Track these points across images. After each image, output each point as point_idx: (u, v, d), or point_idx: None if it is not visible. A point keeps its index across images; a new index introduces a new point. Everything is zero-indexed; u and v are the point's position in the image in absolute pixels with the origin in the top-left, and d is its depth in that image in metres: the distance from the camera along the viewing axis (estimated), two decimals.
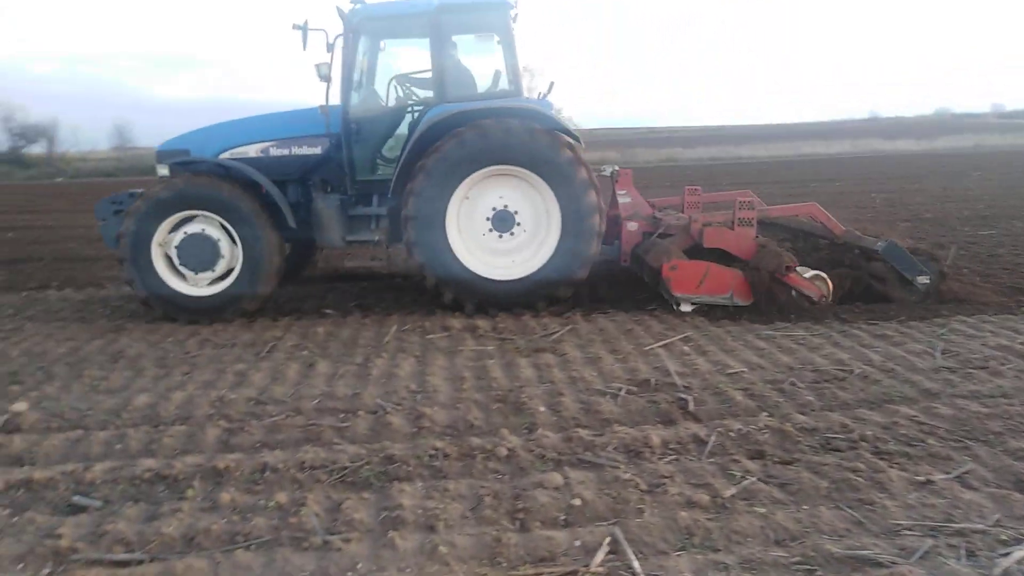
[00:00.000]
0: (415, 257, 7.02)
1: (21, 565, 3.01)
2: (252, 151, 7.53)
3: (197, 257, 7.02)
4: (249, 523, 3.28)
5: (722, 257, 7.04)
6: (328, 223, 7.35)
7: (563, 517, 3.31)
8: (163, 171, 7.54)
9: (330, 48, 7.12)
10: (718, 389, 4.86)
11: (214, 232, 7.00)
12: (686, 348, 5.85)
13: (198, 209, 6.99)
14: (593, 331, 6.41)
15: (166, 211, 6.95)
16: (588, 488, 3.53)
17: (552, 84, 7.53)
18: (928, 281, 6.85)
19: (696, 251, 7.18)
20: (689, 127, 77.99)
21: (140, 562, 3.01)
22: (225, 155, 7.50)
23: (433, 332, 6.50)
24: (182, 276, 7.08)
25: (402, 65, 7.97)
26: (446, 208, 6.89)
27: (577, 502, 3.39)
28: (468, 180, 6.90)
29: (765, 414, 4.41)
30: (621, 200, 7.80)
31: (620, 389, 4.89)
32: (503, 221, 7.10)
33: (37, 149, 50.63)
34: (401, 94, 7.80)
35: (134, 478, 3.75)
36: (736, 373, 5.17)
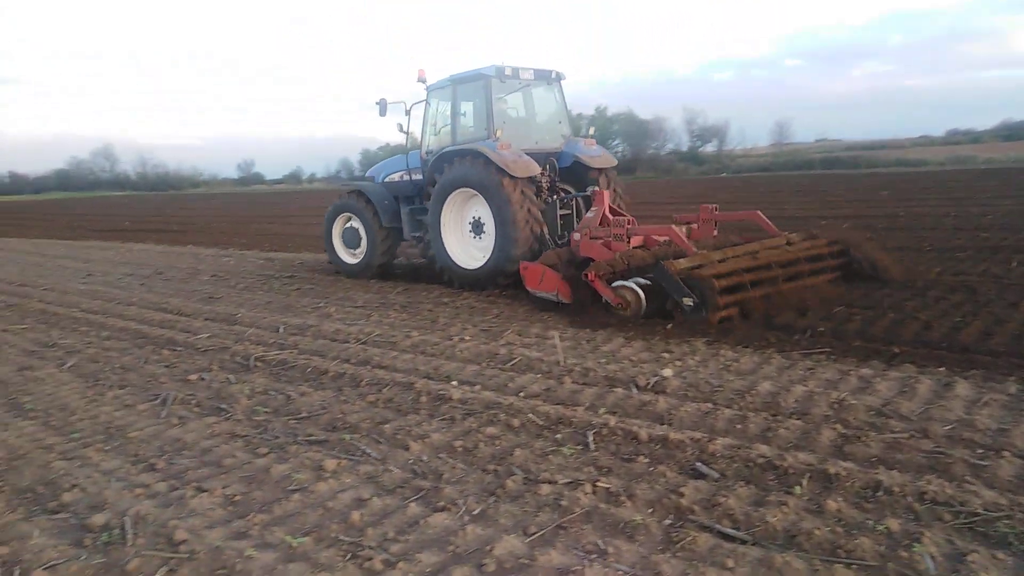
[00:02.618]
0: (431, 252, 10.43)
1: (651, 510, 3.55)
2: (396, 177, 11.53)
3: (352, 240, 11.79)
4: (853, 540, 3.12)
5: None
6: (404, 224, 11.20)
7: None
8: None
9: (407, 112, 11.01)
10: None
11: (362, 226, 11.55)
12: None
13: (347, 212, 11.76)
14: None
15: (336, 214, 11.96)
16: None
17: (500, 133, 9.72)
18: (692, 304, 6.97)
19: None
20: None
21: (743, 542, 3.19)
22: (387, 179, 11.66)
23: None
24: (349, 250, 11.91)
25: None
26: (440, 220, 10.07)
27: None
28: (449, 199, 9.95)
29: None
30: (587, 216, 9.25)
31: None
32: (477, 227, 9.93)
33: (709, 148, 58.49)
34: (447, 138, 10.62)
35: (748, 460, 3.98)
36: None
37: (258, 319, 8.59)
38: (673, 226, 8.32)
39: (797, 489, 3.63)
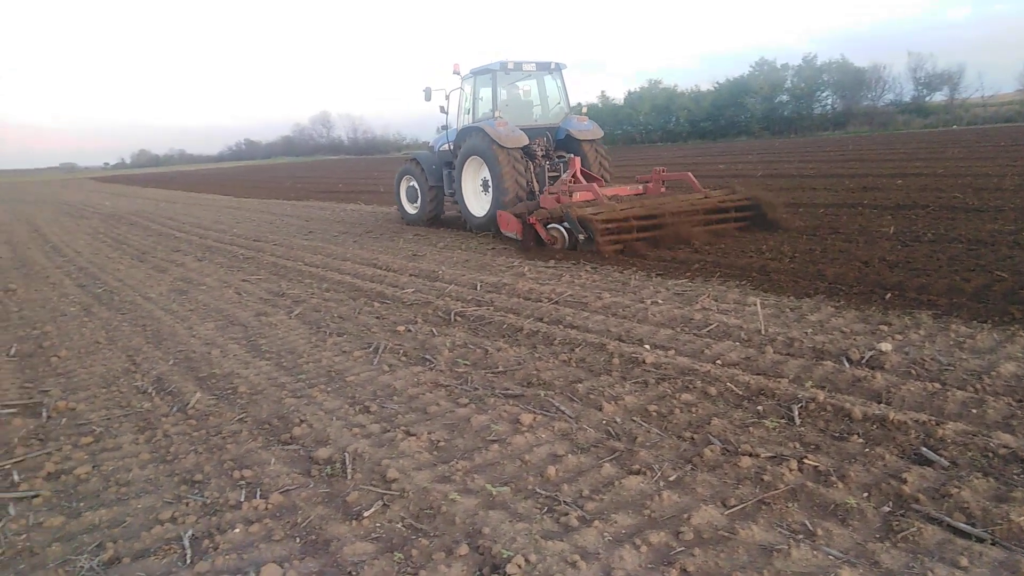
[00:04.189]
0: (458, 204, 13.54)
1: (866, 494, 3.26)
2: (447, 147, 14.05)
3: (411, 196, 15.15)
4: None
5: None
6: (445, 183, 14.11)
7: None
8: None
9: (447, 97, 14.02)
10: None
11: (417, 185, 14.82)
12: None
13: (408, 175, 15.09)
14: None
15: (401, 176, 15.37)
16: None
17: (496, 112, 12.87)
18: (583, 238, 9.93)
19: None
20: None
21: (981, 540, 2.84)
22: (439, 148, 14.53)
23: None
24: (411, 203, 15.24)
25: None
26: (461, 179, 13.22)
27: None
28: (466, 164, 13.01)
29: None
30: (562, 177, 12.18)
31: None
32: (485, 186, 12.80)
33: (939, 97, 51.50)
34: (471, 118, 13.66)
35: (986, 449, 3.53)
36: None
37: (457, 276, 9.00)
38: (595, 184, 11.49)
39: None
